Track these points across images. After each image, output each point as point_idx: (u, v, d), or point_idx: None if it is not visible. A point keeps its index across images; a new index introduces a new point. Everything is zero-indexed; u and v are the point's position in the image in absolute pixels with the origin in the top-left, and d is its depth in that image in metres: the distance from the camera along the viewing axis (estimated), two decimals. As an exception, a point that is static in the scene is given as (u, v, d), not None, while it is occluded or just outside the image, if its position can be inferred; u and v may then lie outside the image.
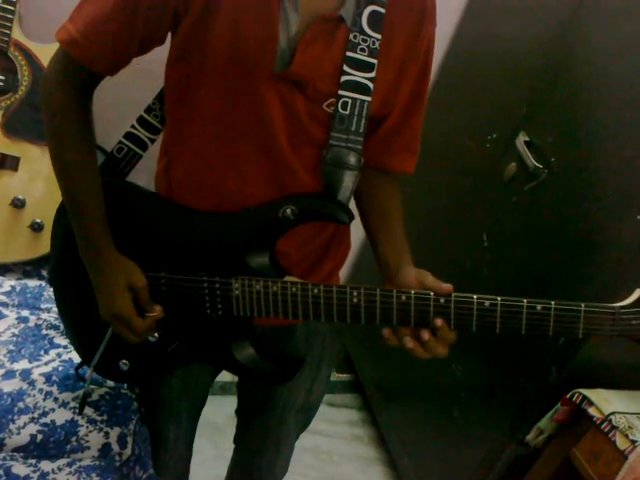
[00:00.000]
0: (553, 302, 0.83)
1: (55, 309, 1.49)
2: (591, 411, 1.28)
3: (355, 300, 0.88)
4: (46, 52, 1.53)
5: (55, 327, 1.42)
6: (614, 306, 0.83)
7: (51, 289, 1.55)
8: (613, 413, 1.25)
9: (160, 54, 0.94)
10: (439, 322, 0.86)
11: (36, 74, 1.54)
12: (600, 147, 1.35)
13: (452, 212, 1.87)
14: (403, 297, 0.87)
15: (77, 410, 1.20)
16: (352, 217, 0.94)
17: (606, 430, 1.25)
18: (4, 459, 1.10)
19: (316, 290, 0.90)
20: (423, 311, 0.87)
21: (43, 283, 1.58)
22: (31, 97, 1.54)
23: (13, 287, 1.53)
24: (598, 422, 1.27)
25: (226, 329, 1.00)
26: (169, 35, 0.91)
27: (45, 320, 1.43)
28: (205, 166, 0.94)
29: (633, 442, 1.20)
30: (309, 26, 0.86)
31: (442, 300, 0.86)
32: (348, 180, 0.94)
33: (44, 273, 1.61)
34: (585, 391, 1.31)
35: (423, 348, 0.88)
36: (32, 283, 1.57)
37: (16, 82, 1.53)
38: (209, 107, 0.90)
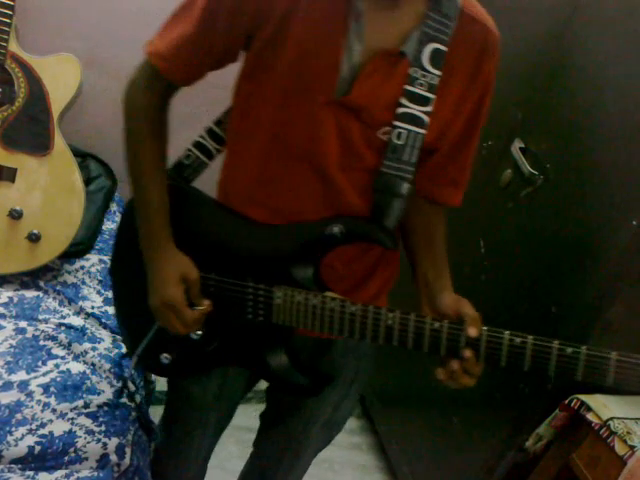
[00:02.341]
0: (584, 347, 0.81)
1: (53, 320, 1.49)
2: (589, 417, 1.28)
3: (390, 322, 0.91)
4: (42, 64, 1.53)
5: (53, 338, 1.42)
6: None
7: (49, 300, 1.57)
8: (611, 418, 1.25)
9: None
10: (467, 353, 0.87)
11: (32, 86, 1.54)
12: (595, 153, 1.36)
13: (449, 218, 1.87)
14: (436, 324, 0.89)
15: (75, 421, 1.21)
16: (397, 244, 0.99)
17: (605, 436, 1.25)
18: (2, 471, 1.10)
19: (354, 308, 0.92)
20: (454, 340, 0.88)
21: (40, 294, 1.58)
22: (28, 109, 1.54)
23: (10, 298, 1.53)
24: (597, 428, 1.27)
25: (264, 335, 1.03)
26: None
27: (43, 331, 1.43)
28: (260, 182, 0.99)
29: (632, 447, 1.20)
30: (371, 58, 0.89)
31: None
32: (396, 207, 0.97)
33: (41, 284, 1.61)
34: (583, 396, 1.31)
35: (452, 378, 0.89)
36: (29, 294, 1.57)
37: (13, 94, 1.53)
38: (268, 124, 0.95)
